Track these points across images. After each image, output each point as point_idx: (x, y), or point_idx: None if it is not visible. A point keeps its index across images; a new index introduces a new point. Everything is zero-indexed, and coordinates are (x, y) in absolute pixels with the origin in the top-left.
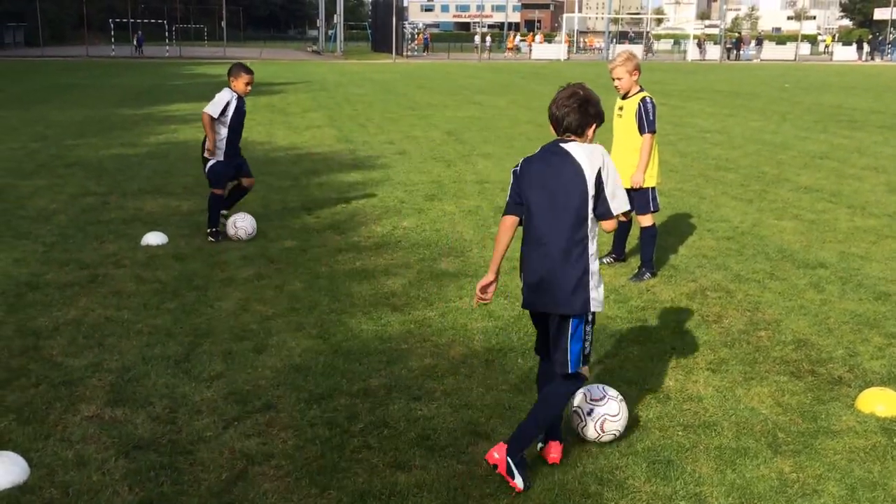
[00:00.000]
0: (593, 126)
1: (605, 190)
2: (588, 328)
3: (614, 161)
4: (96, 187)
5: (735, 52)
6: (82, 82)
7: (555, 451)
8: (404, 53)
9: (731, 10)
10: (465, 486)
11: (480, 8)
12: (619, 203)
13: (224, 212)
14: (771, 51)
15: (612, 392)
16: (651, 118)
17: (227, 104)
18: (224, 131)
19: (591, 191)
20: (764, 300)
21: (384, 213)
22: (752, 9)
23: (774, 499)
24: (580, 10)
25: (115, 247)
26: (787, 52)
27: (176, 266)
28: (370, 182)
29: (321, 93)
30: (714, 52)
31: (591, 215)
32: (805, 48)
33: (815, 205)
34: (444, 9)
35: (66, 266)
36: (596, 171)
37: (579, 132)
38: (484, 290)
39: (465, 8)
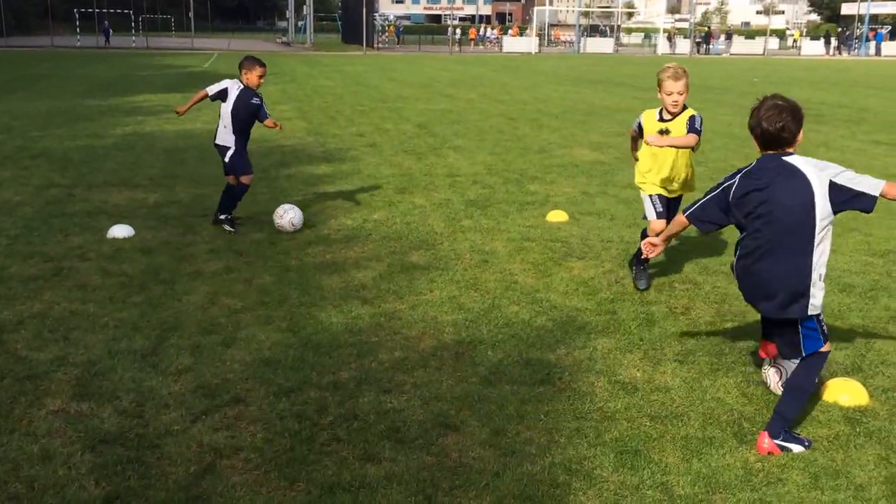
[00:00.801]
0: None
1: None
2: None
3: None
4: (61, 179)
5: (705, 46)
6: (48, 73)
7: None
8: (375, 45)
9: (700, 4)
10: (435, 477)
11: (451, 0)
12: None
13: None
14: (740, 45)
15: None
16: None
17: (227, 89)
18: (228, 119)
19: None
20: (731, 292)
21: (354, 206)
22: (722, 3)
23: (740, 487)
24: (551, 3)
25: (80, 239)
26: (755, 46)
27: (142, 259)
28: (340, 175)
29: (290, 85)
30: (684, 45)
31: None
32: (774, 42)
33: None
34: (415, 1)
35: (30, 259)
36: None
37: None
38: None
39: (436, 0)
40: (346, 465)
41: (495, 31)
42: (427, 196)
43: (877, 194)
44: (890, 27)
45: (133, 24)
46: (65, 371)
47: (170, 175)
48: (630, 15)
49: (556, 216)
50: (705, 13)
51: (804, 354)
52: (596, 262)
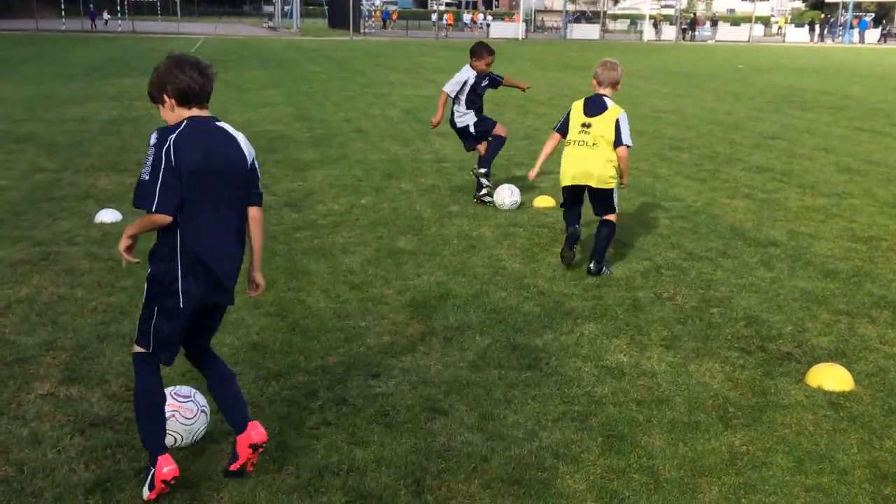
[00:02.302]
0: None
1: None
2: None
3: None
4: (48, 163)
5: (690, 32)
6: (33, 56)
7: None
8: (362, 31)
9: None
10: (423, 461)
11: None
12: None
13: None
14: (725, 31)
15: (199, 398)
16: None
17: (465, 82)
18: (463, 105)
19: None
20: (716, 278)
21: (342, 191)
22: None
23: (725, 471)
24: None
25: (68, 224)
26: (741, 32)
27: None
28: (327, 160)
29: (277, 69)
30: (670, 32)
31: None
32: (759, 29)
33: (767, 184)
34: None
35: (17, 243)
36: None
37: None
38: None
39: None
40: (335, 449)
41: (471, 16)
42: (414, 182)
43: None
44: (873, 15)
45: (118, 7)
46: (53, 355)
47: None
48: (616, 1)
49: (543, 202)
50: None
51: None
52: (582, 247)
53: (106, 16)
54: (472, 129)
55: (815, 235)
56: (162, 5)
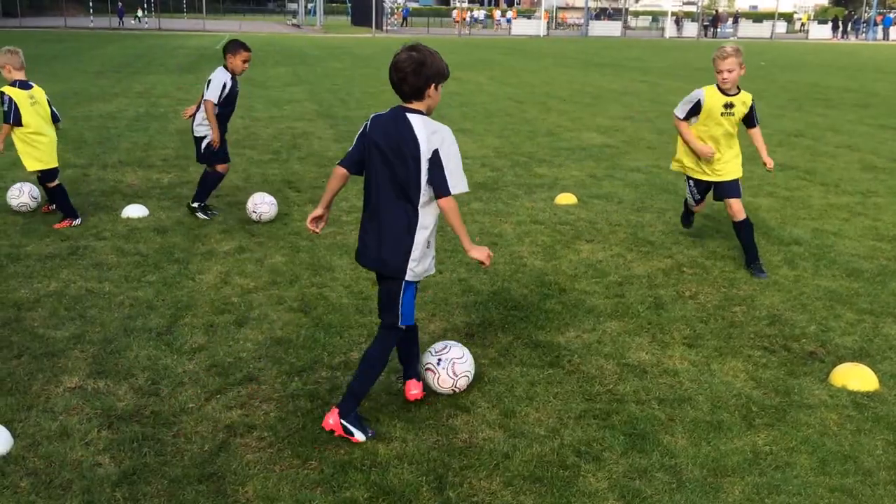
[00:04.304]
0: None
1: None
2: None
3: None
4: (76, 159)
5: (712, 29)
6: (62, 53)
7: (414, 388)
8: (384, 28)
9: None
10: (445, 457)
11: None
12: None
13: (195, 205)
14: (747, 28)
15: (451, 342)
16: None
17: (224, 86)
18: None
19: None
20: (739, 276)
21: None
22: None
23: (748, 471)
24: None
25: (95, 219)
26: (763, 29)
27: (157, 239)
28: None
29: (301, 67)
30: (691, 29)
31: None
32: (781, 26)
33: (790, 182)
34: None
35: (46, 238)
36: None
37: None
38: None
39: None
40: (358, 445)
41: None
42: None
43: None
44: None
45: (146, 4)
46: (81, 349)
47: (183, 156)
48: None
49: (565, 199)
50: None
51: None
52: (604, 245)
53: (140, 13)
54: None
55: (839, 234)
56: (188, 3)
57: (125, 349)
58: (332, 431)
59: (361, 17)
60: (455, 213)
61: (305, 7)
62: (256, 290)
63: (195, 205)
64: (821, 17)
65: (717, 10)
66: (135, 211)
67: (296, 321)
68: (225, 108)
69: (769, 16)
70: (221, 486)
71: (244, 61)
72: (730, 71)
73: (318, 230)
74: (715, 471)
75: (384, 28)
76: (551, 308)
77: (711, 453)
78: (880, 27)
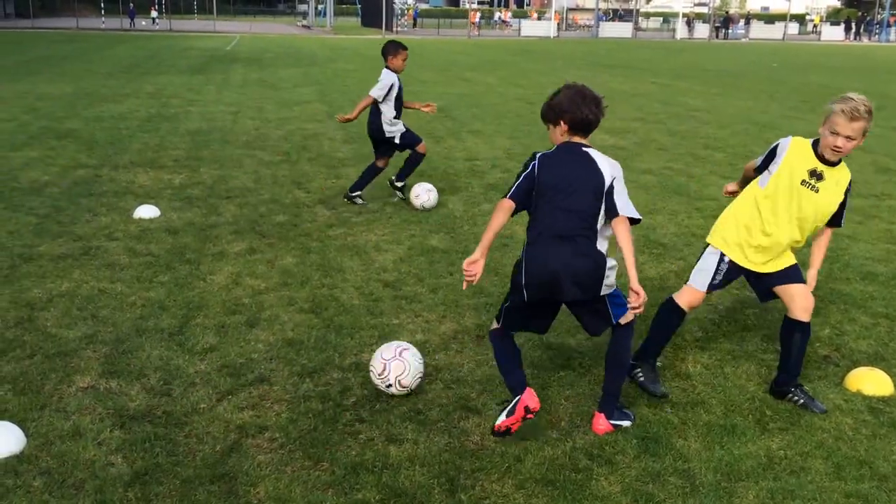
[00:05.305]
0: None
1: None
2: None
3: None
4: (88, 160)
5: (724, 30)
6: (73, 54)
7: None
8: (394, 29)
9: None
10: (457, 460)
11: None
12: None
13: (399, 184)
14: (759, 30)
15: (388, 357)
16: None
17: (392, 86)
18: (391, 111)
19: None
20: None
21: (375, 189)
22: None
23: (762, 475)
24: None
25: (107, 219)
26: (775, 31)
27: (168, 239)
28: (361, 158)
29: (311, 68)
30: (703, 30)
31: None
32: (793, 27)
33: None
34: None
35: (59, 238)
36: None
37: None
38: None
39: None
40: (370, 446)
41: (503, 14)
42: (446, 180)
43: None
44: None
45: (156, 5)
46: (94, 349)
47: (194, 157)
48: None
49: None
50: None
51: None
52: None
53: (154, 14)
54: (396, 140)
55: (853, 237)
56: (199, 4)
57: (137, 349)
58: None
59: (371, 18)
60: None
61: (315, 8)
62: (267, 291)
63: (399, 183)
64: (833, 18)
65: (728, 12)
66: (146, 211)
67: (307, 322)
68: (397, 104)
69: (781, 17)
70: (233, 486)
71: (404, 60)
72: (850, 139)
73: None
74: (729, 475)
75: (394, 29)
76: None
77: (725, 457)
78: (893, 29)
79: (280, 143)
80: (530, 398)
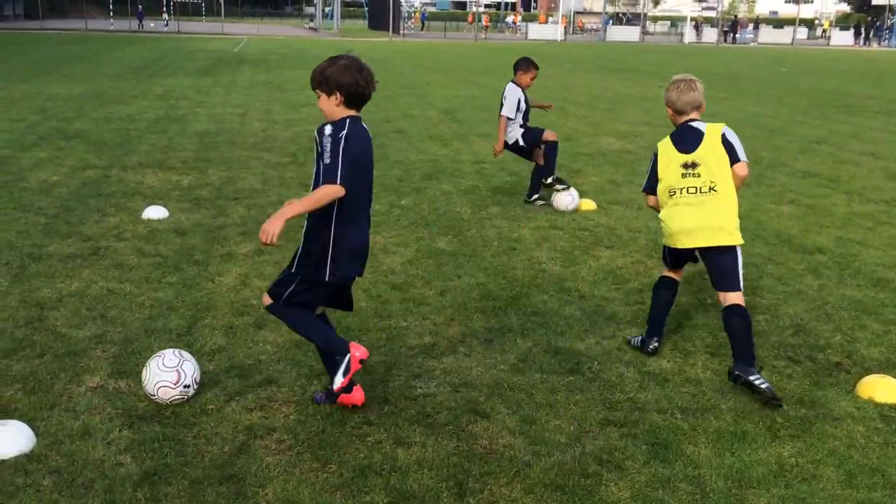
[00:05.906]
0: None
1: None
2: None
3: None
4: (97, 160)
5: (732, 34)
6: (82, 55)
7: None
8: (401, 32)
9: None
10: (465, 463)
11: None
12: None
13: (549, 180)
14: (768, 34)
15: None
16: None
17: (519, 101)
18: (520, 120)
19: None
20: (762, 285)
21: (382, 192)
22: None
23: (773, 483)
24: None
25: (116, 220)
26: (784, 35)
27: (176, 240)
28: None
29: None
30: (711, 34)
31: None
32: (802, 32)
33: (813, 190)
34: None
35: (68, 238)
36: None
37: None
38: None
39: None
40: (378, 449)
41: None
42: (454, 182)
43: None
44: None
45: (165, 7)
46: (103, 349)
47: (202, 158)
48: (656, 2)
49: (584, 205)
50: (732, 1)
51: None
52: (623, 251)
53: (165, 16)
54: (521, 142)
55: (863, 243)
56: (206, 6)
57: (146, 349)
58: (354, 433)
59: (379, 20)
60: None
61: (323, 10)
62: None
63: (549, 180)
64: (842, 23)
65: (736, 16)
66: (155, 212)
67: None
68: (524, 118)
69: (790, 21)
70: (242, 487)
71: (532, 78)
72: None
73: None
74: (739, 482)
75: (401, 32)
76: (571, 314)
77: (735, 464)
78: None
79: (287, 145)
80: (356, 348)
